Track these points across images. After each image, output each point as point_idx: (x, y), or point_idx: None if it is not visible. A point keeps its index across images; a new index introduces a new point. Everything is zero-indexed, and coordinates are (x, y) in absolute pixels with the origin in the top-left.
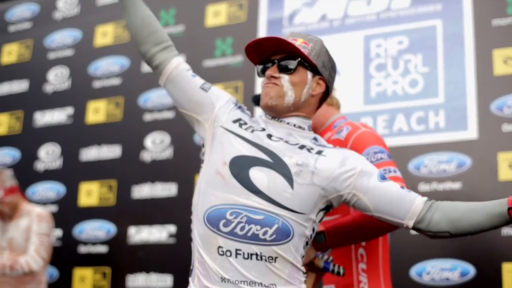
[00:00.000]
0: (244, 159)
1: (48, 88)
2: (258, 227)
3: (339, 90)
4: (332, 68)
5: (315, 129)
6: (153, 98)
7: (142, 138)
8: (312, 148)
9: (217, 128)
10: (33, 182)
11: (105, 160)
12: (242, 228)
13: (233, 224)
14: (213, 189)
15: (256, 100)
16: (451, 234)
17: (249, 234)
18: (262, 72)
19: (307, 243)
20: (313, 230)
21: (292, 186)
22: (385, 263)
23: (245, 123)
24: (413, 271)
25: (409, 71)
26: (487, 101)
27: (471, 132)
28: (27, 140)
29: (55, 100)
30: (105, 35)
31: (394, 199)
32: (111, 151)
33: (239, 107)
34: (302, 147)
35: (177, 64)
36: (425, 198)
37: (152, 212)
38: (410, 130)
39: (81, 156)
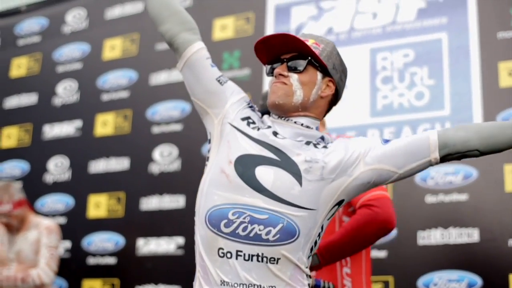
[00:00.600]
0: (250, 157)
1: (57, 101)
2: (262, 227)
3: (345, 102)
4: (343, 72)
5: None
6: (161, 111)
7: (150, 151)
8: (318, 144)
9: (225, 125)
10: (42, 194)
11: (114, 172)
12: (244, 229)
13: (235, 225)
14: (216, 189)
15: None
16: (481, 152)
17: (251, 234)
18: (271, 71)
19: (315, 243)
20: (322, 228)
21: (300, 184)
22: (368, 267)
23: (254, 122)
24: (420, 282)
25: (415, 83)
26: (492, 113)
27: None
28: (36, 152)
29: (64, 113)
30: (113, 48)
31: (409, 148)
32: (119, 164)
33: (251, 107)
34: (308, 143)
35: (198, 49)
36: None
37: (160, 224)
38: None
39: (90, 168)
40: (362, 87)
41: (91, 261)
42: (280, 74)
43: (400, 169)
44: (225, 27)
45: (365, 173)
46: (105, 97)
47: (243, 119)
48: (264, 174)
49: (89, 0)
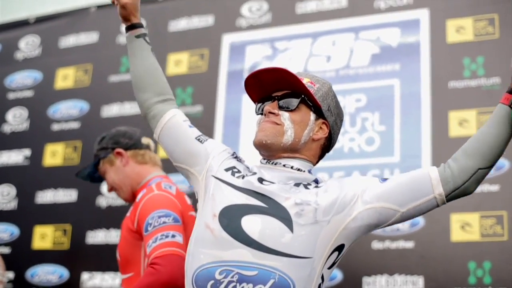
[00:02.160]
0: (235, 208)
1: (6, 128)
2: (251, 285)
3: None
4: (338, 115)
5: (133, 189)
6: None
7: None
8: (309, 184)
9: (209, 178)
10: None
11: (61, 203)
12: None
13: (222, 285)
14: (202, 247)
15: (84, 176)
16: (485, 167)
17: None
18: (260, 110)
19: None
20: (322, 278)
21: (291, 229)
22: None
23: (238, 171)
24: None
25: (366, 129)
26: (441, 162)
27: None
28: None
29: (13, 141)
30: (65, 78)
31: (410, 184)
32: (67, 195)
33: (235, 157)
34: (297, 184)
35: (173, 115)
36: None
37: (106, 258)
38: None
39: (37, 198)
40: None
41: None
42: (270, 112)
43: (402, 207)
44: (179, 63)
45: (364, 213)
46: (56, 127)
47: (227, 169)
48: (251, 224)
49: (43, 27)
